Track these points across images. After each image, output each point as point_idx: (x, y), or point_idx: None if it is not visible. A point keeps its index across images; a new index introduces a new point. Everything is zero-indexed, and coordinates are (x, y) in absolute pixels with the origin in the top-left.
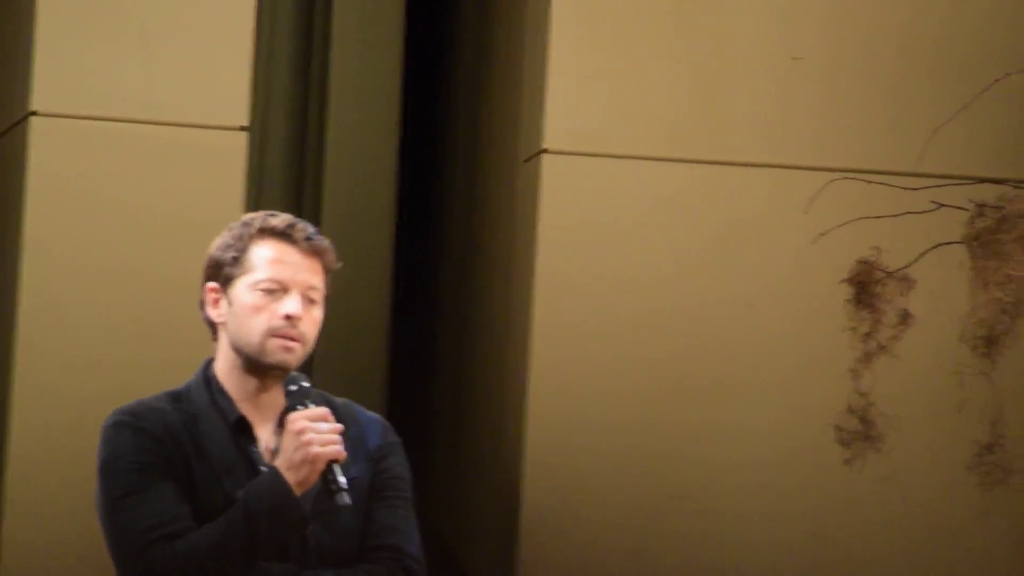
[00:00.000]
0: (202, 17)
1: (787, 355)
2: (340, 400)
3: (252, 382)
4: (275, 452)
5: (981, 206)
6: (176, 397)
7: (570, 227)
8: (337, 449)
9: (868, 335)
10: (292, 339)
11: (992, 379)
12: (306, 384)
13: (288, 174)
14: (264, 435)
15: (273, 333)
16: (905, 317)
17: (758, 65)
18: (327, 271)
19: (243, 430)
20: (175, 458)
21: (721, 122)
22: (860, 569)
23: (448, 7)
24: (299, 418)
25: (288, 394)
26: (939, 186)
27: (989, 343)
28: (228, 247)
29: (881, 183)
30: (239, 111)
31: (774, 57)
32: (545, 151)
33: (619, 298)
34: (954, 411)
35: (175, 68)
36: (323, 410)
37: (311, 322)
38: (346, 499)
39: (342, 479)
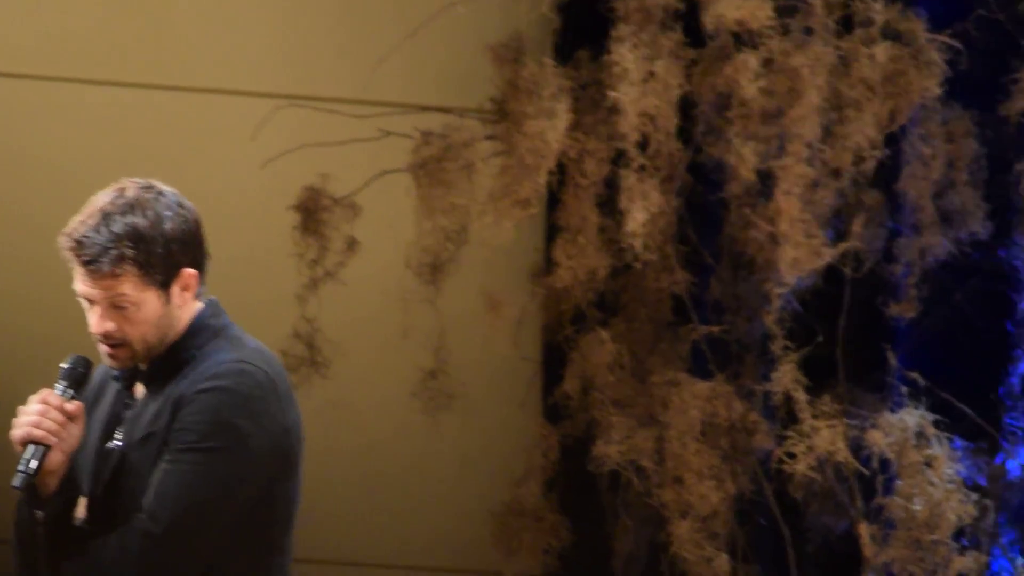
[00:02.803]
0: None
1: (234, 280)
2: (216, 344)
3: None
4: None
5: (427, 135)
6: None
7: (10, 152)
8: (24, 432)
9: (315, 261)
10: (112, 347)
11: (436, 306)
12: (70, 367)
13: None
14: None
15: (96, 340)
16: (352, 244)
17: None
18: (140, 272)
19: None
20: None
21: (163, 46)
22: (308, 492)
23: None
24: (30, 399)
25: (59, 369)
26: (385, 114)
27: (434, 270)
28: (60, 244)
29: (328, 110)
30: None
31: None
32: None
33: (63, 221)
34: (400, 337)
35: None
36: (41, 394)
37: (129, 324)
38: (14, 480)
39: (23, 460)
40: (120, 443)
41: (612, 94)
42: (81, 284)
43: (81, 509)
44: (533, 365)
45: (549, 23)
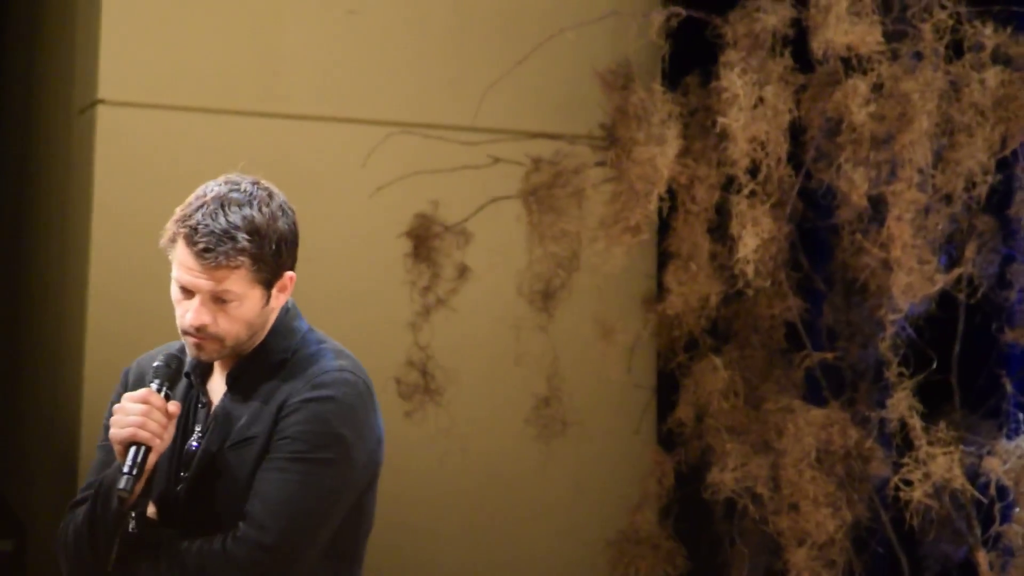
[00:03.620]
0: None
1: (347, 309)
2: (309, 351)
3: None
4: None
5: (537, 161)
6: (175, 353)
7: (126, 179)
8: (129, 432)
9: (427, 288)
10: (202, 339)
11: (549, 333)
12: (170, 367)
13: None
14: (218, 387)
15: (184, 331)
16: (463, 271)
17: (315, 18)
18: (253, 267)
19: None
20: None
21: (278, 75)
22: (422, 519)
23: None
24: (126, 397)
25: (154, 366)
26: (496, 141)
27: (546, 297)
28: (168, 230)
29: (439, 138)
30: None
31: (331, 10)
32: (101, 101)
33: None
34: (512, 364)
35: None
36: (143, 392)
37: (227, 319)
38: (121, 484)
39: (129, 463)
40: (199, 443)
41: (721, 120)
42: (185, 273)
43: (150, 508)
44: (646, 392)
45: (658, 49)
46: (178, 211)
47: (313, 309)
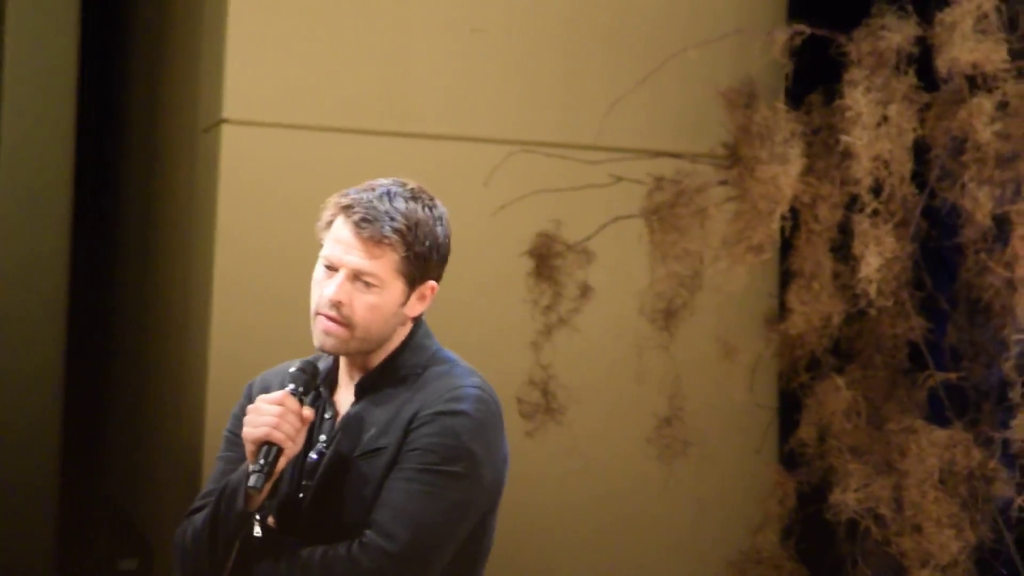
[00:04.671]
0: None
1: (469, 327)
2: (440, 368)
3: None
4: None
5: (659, 180)
6: (312, 360)
7: (250, 198)
8: (264, 432)
9: (549, 308)
10: (334, 321)
11: (671, 352)
12: (306, 374)
13: None
14: (345, 398)
15: (318, 311)
16: (585, 290)
17: (438, 37)
18: (402, 255)
19: (327, 389)
20: None
21: (401, 94)
22: (544, 539)
23: None
24: (260, 399)
25: (289, 372)
26: (618, 160)
27: (668, 316)
28: (326, 212)
29: (560, 156)
30: None
31: (454, 29)
32: (225, 121)
33: (300, 270)
34: (634, 384)
35: None
36: (280, 394)
37: (365, 306)
38: (251, 481)
39: (260, 462)
40: (323, 453)
41: (845, 138)
42: (336, 247)
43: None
44: (769, 412)
45: (781, 67)
46: (336, 195)
47: (436, 326)
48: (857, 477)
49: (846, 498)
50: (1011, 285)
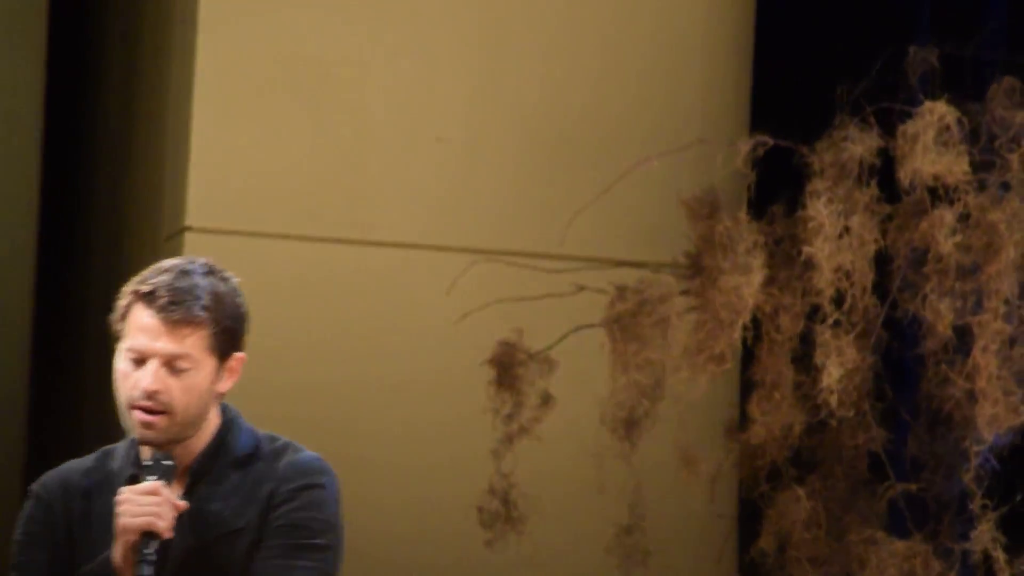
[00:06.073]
0: None
1: (429, 435)
2: (276, 444)
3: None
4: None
5: (622, 289)
6: (106, 453)
7: None
8: (146, 520)
9: (510, 416)
10: (153, 412)
11: (631, 462)
12: (168, 462)
13: None
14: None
15: (132, 405)
16: (547, 399)
17: (401, 145)
18: (212, 331)
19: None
20: (58, 525)
21: (364, 202)
22: None
23: (90, 78)
24: (127, 490)
25: (143, 465)
26: (580, 269)
27: (629, 426)
28: (119, 306)
29: (523, 265)
30: None
31: (418, 137)
32: (188, 228)
33: (258, 377)
34: (595, 493)
35: None
36: (152, 485)
37: (181, 389)
38: (145, 571)
39: (146, 551)
40: (169, 541)
41: (807, 249)
42: (141, 336)
43: None
44: (729, 522)
45: (743, 177)
46: (131, 283)
47: (395, 435)
48: None
49: None
50: (972, 396)
